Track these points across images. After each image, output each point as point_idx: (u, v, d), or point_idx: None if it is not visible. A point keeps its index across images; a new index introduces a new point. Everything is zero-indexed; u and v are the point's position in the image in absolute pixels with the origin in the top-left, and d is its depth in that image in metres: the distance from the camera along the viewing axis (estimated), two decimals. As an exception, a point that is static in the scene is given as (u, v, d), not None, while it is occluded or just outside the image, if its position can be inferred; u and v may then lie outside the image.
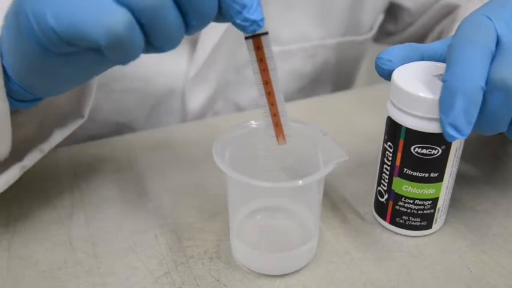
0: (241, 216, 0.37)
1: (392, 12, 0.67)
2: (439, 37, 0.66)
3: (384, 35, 0.71)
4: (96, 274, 0.35)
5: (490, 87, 0.31)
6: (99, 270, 0.36)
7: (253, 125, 0.36)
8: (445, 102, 0.31)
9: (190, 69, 0.55)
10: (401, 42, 0.60)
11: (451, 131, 0.31)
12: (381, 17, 0.65)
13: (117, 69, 0.51)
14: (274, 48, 0.57)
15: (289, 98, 0.63)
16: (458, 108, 0.31)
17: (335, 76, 0.66)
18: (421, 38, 0.68)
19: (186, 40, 0.53)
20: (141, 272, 0.35)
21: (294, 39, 0.59)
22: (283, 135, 0.34)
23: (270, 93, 0.33)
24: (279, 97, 0.33)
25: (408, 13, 0.66)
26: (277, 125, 0.33)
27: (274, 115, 0.33)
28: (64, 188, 0.43)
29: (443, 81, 0.31)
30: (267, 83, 0.32)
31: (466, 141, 0.36)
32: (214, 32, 0.53)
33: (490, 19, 0.32)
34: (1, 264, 0.36)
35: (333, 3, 0.59)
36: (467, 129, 0.31)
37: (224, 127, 0.36)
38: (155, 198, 0.42)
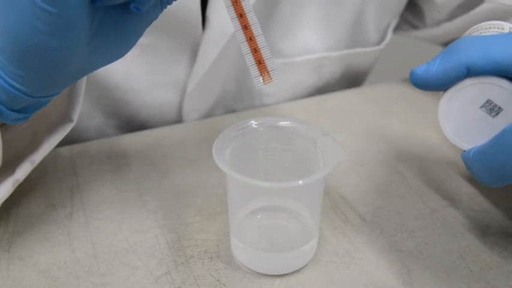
0: (241, 216, 0.37)
1: (415, 5, 0.60)
2: None
3: (407, 25, 0.63)
4: (96, 274, 0.35)
5: None
6: (99, 270, 0.36)
7: (253, 125, 0.36)
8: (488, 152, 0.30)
9: (189, 81, 0.53)
10: (431, 38, 0.54)
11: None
12: (394, 23, 0.60)
13: (110, 79, 0.50)
14: (277, 61, 0.57)
15: None
16: (487, 173, 0.30)
17: (342, 86, 0.63)
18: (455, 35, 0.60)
19: (185, 50, 0.52)
20: (141, 272, 0.35)
21: (298, 51, 0.56)
22: (268, 73, 0.31)
23: (246, 27, 0.30)
24: (256, 30, 0.30)
25: (434, 6, 0.57)
26: (260, 62, 0.31)
27: (255, 51, 0.31)
28: (64, 188, 0.43)
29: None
30: (241, 15, 0.30)
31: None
32: (215, 44, 0.51)
33: None
34: (1, 264, 0.36)
35: (338, 16, 0.56)
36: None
37: (224, 127, 0.36)
38: (155, 198, 0.42)
